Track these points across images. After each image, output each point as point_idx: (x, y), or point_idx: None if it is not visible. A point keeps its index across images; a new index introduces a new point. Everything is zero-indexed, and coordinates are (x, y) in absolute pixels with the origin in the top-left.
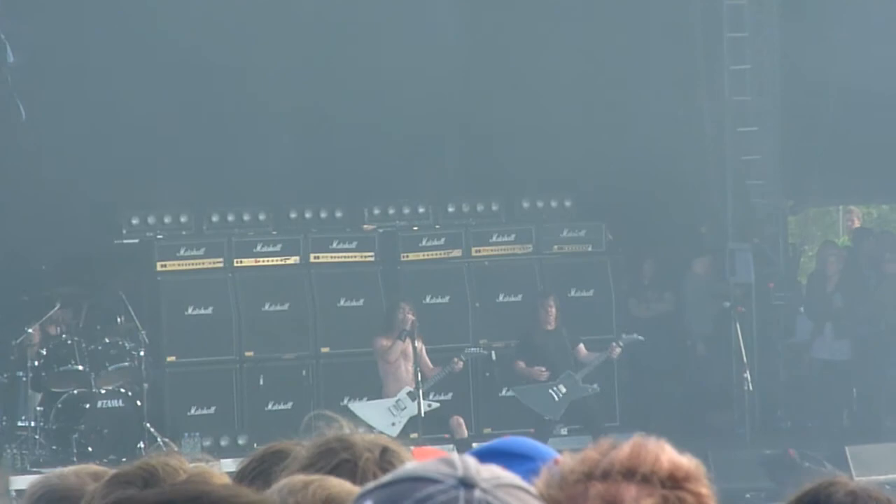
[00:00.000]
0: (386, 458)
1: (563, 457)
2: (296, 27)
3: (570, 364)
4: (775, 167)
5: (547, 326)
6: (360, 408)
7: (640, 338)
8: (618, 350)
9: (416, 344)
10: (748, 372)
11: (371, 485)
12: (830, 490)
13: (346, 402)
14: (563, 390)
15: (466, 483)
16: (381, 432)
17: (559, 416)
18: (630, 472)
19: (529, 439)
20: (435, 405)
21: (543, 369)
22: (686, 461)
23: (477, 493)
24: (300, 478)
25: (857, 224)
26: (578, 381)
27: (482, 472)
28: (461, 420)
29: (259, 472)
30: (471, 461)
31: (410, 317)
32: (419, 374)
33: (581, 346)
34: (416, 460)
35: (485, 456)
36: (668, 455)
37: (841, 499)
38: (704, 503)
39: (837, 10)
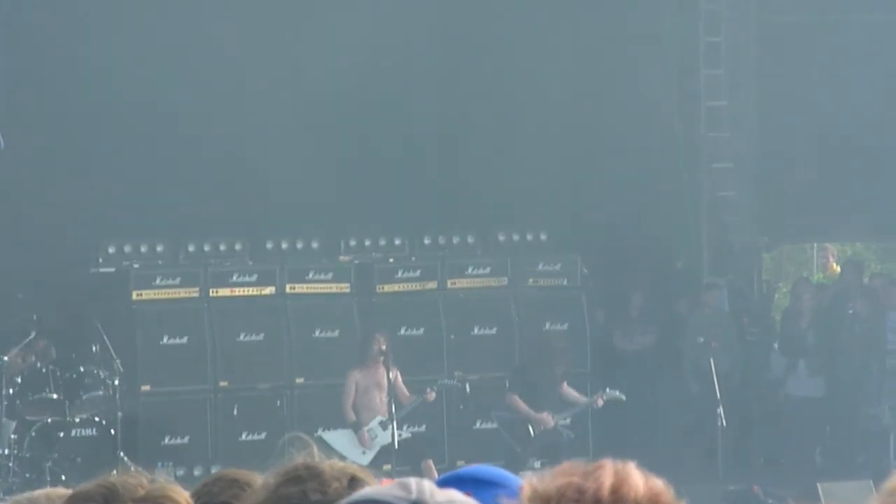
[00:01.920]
0: (355, 488)
1: (535, 481)
2: (269, 56)
3: (555, 401)
4: (750, 204)
5: (551, 367)
6: (332, 437)
7: (623, 397)
8: (600, 402)
9: (391, 374)
10: (721, 408)
11: None
12: None
13: (319, 432)
14: (542, 429)
15: None
16: (353, 461)
17: (529, 452)
18: (622, 501)
19: (496, 467)
20: (406, 435)
21: (546, 416)
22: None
23: None
24: None
25: (832, 262)
26: (557, 426)
27: (436, 495)
28: (431, 464)
29: (206, 498)
30: (426, 485)
31: (384, 346)
32: (394, 404)
33: (565, 384)
34: None
35: (452, 482)
36: (651, 482)
37: None
38: None
39: (813, 48)
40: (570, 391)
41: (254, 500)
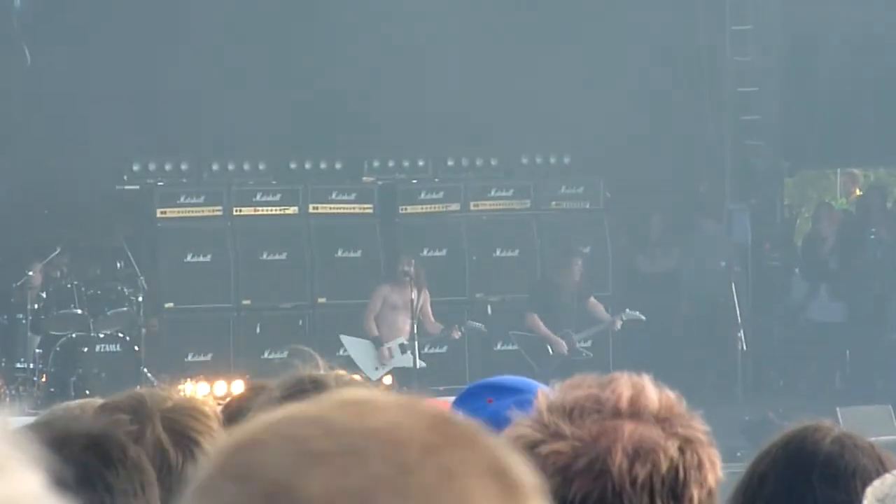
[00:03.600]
0: None
1: (550, 393)
2: None
3: (572, 322)
4: (774, 128)
5: (565, 286)
6: (350, 342)
7: (643, 318)
8: (619, 323)
9: (421, 298)
10: (742, 331)
11: None
12: (816, 437)
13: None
14: (559, 350)
15: None
16: (364, 373)
17: (549, 371)
18: (640, 412)
19: (523, 377)
20: (422, 364)
21: (564, 344)
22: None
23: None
24: None
25: (855, 187)
26: (575, 343)
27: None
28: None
29: (239, 410)
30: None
31: (409, 269)
32: (417, 328)
33: (592, 298)
34: None
35: (478, 389)
36: (665, 395)
37: (828, 447)
38: (707, 440)
39: None
40: (596, 305)
41: (258, 412)
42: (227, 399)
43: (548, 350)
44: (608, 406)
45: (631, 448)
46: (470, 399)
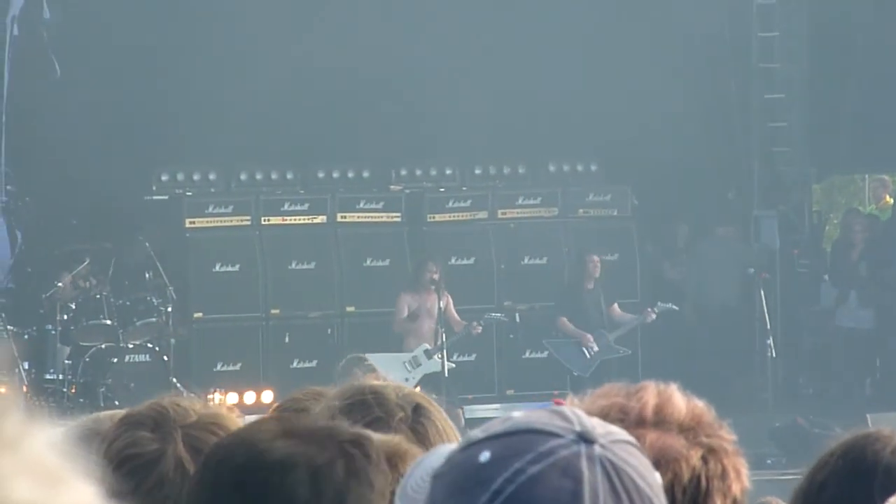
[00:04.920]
0: (418, 418)
1: (577, 402)
2: None
3: (604, 323)
4: (801, 135)
5: (588, 285)
6: (377, 359)
7: (675, 307)
8: (652, 316)
9: (442, 301)
10: (771, 338)
11: (483, 434)
12: (877, 447)
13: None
14: (596, 349)
15: (585, 438)
16: None
17: (588, 374)
18: (665, 421)
19: None
20: (450, 365)
21: (591, 338)
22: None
23: (597, 449)
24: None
25: (885, 193)
26: (611, 342)
27: (597, 427)
28: None
29: (290, 405)
30: (583, 415)
31: (436, 276)
32: (444, 331)
33: (615, 305)
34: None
35: None
36: (693, 404)
37: (889, 458)
38: (734, 449)
39: None
40: (619, 312)
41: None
42: (279, 405)
43: (584, 354)
44: (633, 415)
45: (652, 457)
46: None
